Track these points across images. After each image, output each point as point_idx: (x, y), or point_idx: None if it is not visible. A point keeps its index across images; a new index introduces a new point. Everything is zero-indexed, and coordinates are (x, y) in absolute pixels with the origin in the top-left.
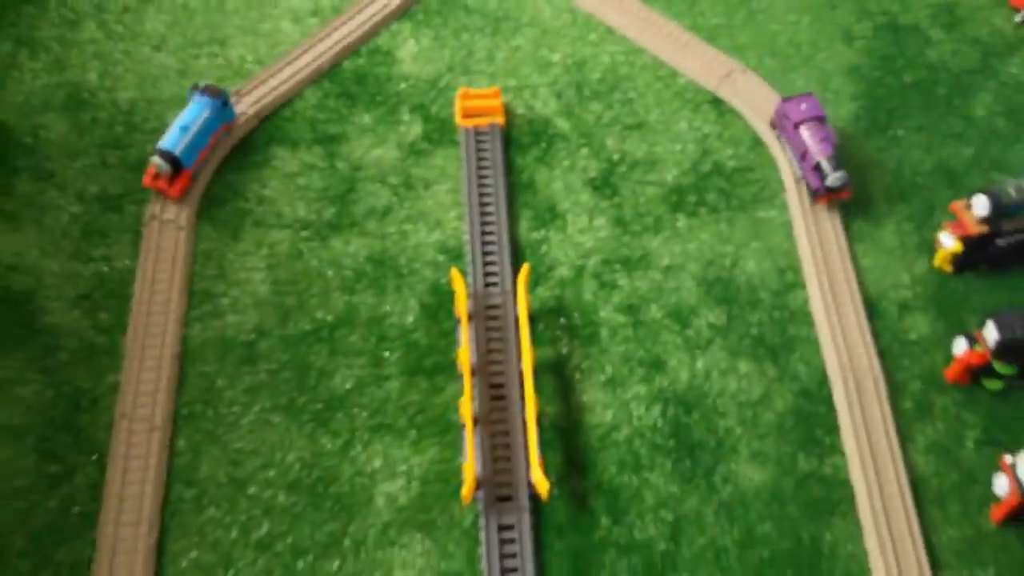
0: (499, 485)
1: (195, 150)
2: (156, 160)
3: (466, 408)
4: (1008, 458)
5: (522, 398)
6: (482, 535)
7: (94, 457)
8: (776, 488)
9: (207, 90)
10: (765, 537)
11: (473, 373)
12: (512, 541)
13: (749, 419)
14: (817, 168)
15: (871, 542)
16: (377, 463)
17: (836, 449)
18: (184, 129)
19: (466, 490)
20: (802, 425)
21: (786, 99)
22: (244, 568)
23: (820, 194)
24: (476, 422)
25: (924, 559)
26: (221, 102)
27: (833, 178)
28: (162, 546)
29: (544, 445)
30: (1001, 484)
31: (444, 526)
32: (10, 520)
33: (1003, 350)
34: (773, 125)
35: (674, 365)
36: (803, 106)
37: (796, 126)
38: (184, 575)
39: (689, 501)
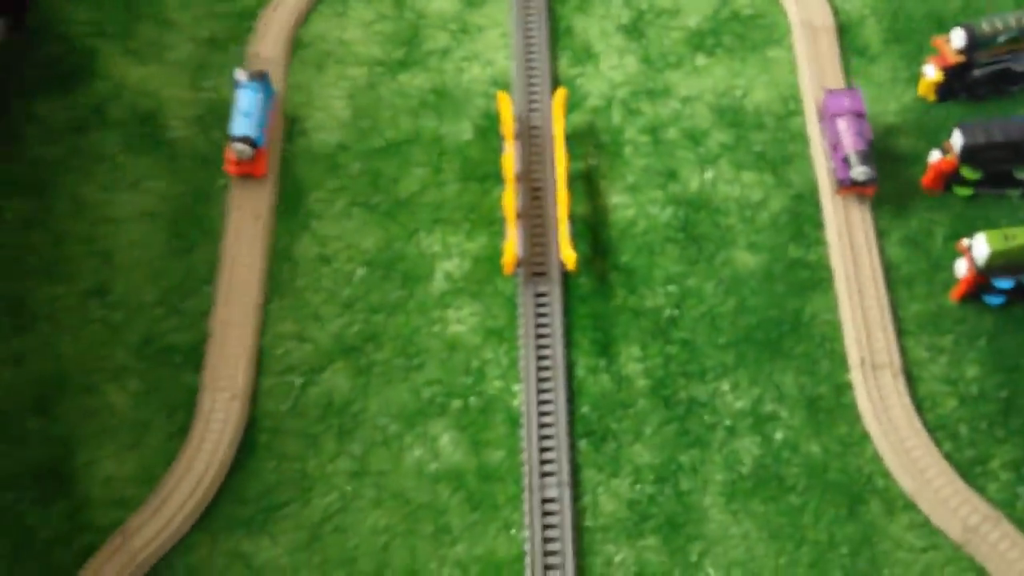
0: (535, 263)
1: (262, 129)
2: (239, 147)
3: (509, 203)
4: (965, 241)
5: (556, 197)
6: (520, 300)
7: (211, 237)
8: (767, 270)
9: (253, 75)
10: (755, 307)
11: (517, 179)
12: (545, 305)
13: (748, 217)
14: (846, 161)
15: (845, 313)
16: (437, 247)
17: (821, 241)
18: (248, 115)
19: (508, 263)
20: (793, 222)
21: (832, 91)
22: (330, 319)
23: (845, 185)
24: (518, 215)
25: (890, 327)
26: (266, 82)
27: (858, 171)
28: (266, 303)
29: (573, 236)
30: (960, 266)
31: (490, 294)
32: (147, 278)
33: (968, 154)
34: (821, 115)
35: (686, 175)
36: (846, 101)
37: (833, 118)
38: (282, 322)
39: (693, 279)
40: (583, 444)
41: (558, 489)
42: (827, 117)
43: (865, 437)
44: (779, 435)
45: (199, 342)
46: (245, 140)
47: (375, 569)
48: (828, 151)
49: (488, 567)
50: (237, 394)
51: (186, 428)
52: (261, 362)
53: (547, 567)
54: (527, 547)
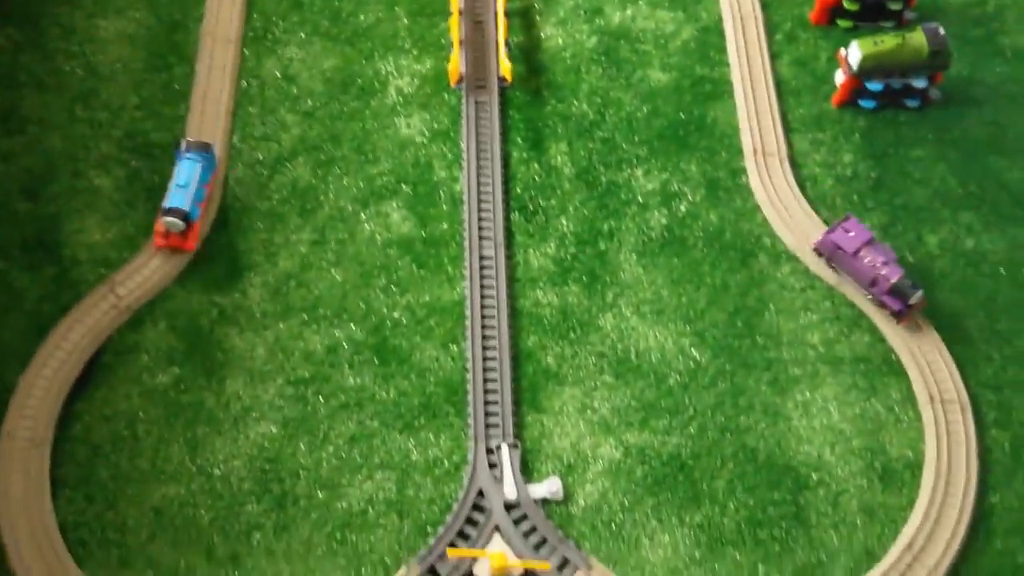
0: (477, 79)
1: (197, 203)
2: (169, 219)
3: (454, 29)
4: (843, 51)
5: (496, 25)
6: (463, 107)
7: (186, 59)
8: (677, 85)
9: (194, 146)
10: (666, 113)
11: (461, 12)
12: (485, 111)
13: (662, 44)
14: (894, 291)
15: (742, 116)
16: (390, 68)
17: (723, 63)
18: (184, 187)
19: (452, 72)
20: (700, 48)
21: (828, 230)
22: (293, 125)
23: (904, 315)
24: (461, 41)
25: (779, 126)
26: (208, 155)
27: (916, 297)
28: (236, 111)
29: (511, 60)
30: (839, 75)
31: (437, 105)
32: (129, 88)
33: None
34: (819, 253)
35: (609, 12)
36: (851, 233)
37: (855, 255)
38: (250, 127)
39: (613, 91)
40: (516, 216)
41: (493, 249)
42: (846, 257)
43: (756, 208)
44: (683, 208)
45: (176, 140)
46: (177, 213)
47: (334, 312)
48: (864, 288)
49: (434, 310)
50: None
51: None
52: (231, 156)
53: (484, 306)
54: (467, 293)
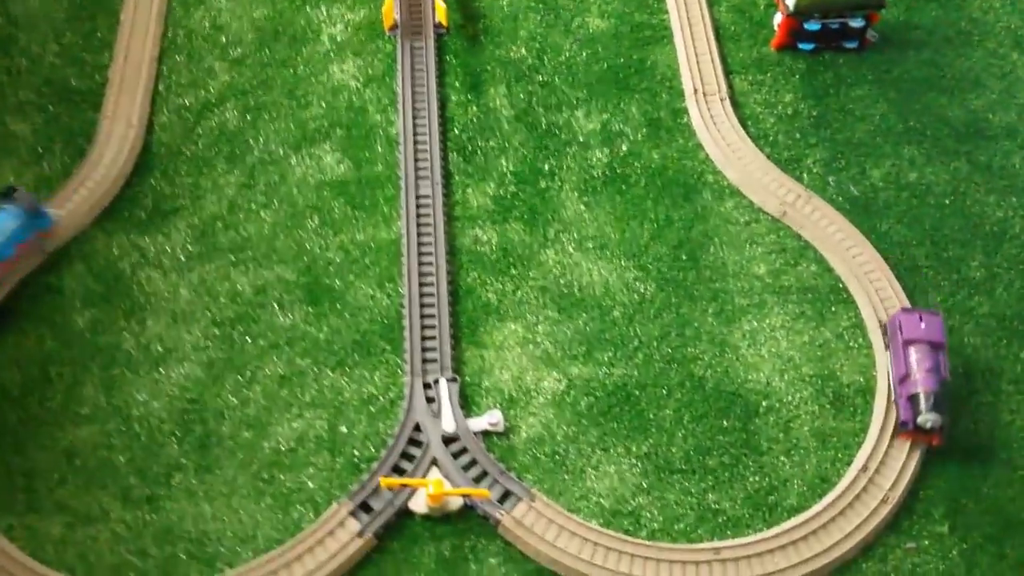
0: (413, 26)
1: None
2: None
3: None
4: None
5: None
6: (398, 52)
7: (111, 11)
8: (616, 31)
9: (23, 200)
10: (605, 58)
11: None
12: (421, 56)
13: None
14: (912, 400)
15: (681, 59)
16: (322, 17)
17: (662, 10)
18: None
19: (387, 16)
20: None
21: (908, 309)
22: (222, 72)
23: (906, 429)
24: None
25: (719, 67)
26: (32, 211)
27: (924, 418)
28: (162, 59)
29: (448, 9)
30: (777, 17)
31: (371, 52)
32: (50, 37)
33: None
34: (885, 330)
35: None
36: (923, 324)
37: (906, 345)
38: (176, 74)
39: (552, 37)
40: (454, 157)
41: (431, 187)
42: (898, 341)
43: (698, 146)
44: (625, 147)
45: (99, 87)
46: None
47: (263, 253)
48: (894, 381)
49: (369, 249)
50: (133, 124)
51: (85, 151)
52: (155, 102)
53: (421, 244)
54: (404, 231)
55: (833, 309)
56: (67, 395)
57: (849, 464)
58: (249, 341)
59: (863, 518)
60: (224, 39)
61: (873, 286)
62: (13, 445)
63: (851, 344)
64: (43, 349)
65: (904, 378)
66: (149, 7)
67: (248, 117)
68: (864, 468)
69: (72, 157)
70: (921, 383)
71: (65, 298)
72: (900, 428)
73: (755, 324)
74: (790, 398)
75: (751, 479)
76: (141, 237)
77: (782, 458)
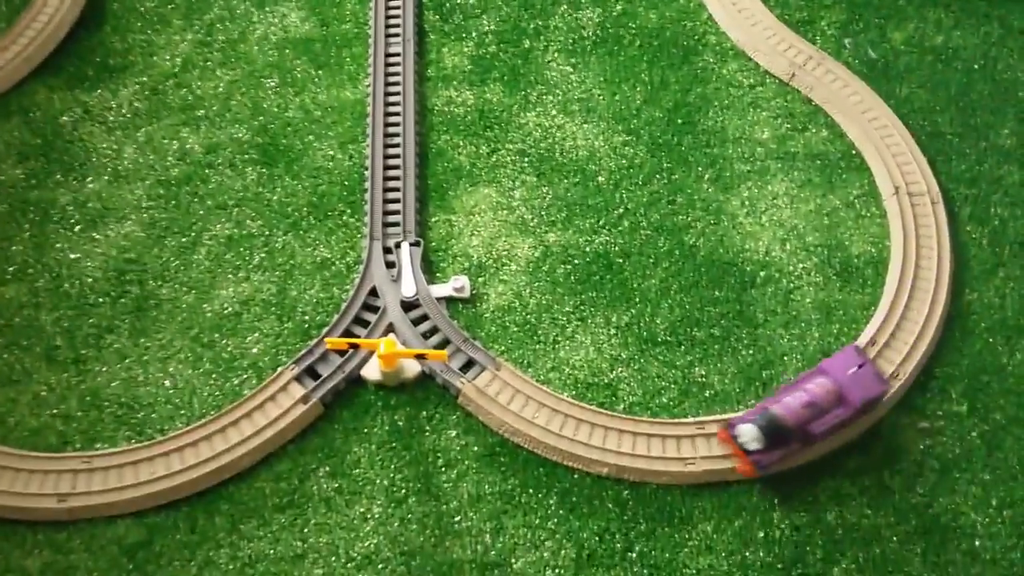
0: None
1: None
2: None
3: None
4: None
5: None
6: None
7: None
8: None
9: None
10: None
11: None
12: None
13: None
14: (762, 412)
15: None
16: None
17: None
18: None
19: None
20: None
21: (862, 353)
22: None
23: (727, 428)
24: None
25: None
26: None
27: (742, 430)
28: None
29: None
30: None
31: None
32: None
33: None
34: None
35: None
36: (851, 370)
37: (821, 374)
38: None
39: None
40: (430, 15)
41: (402, 45)
42: (825, 367)
43: (701, 6)
44: (619, 7)
45: None
46: None
47: (217, 112)
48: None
49: (331, 109)
50: None
51: (29, 2)
52: None
53: (388, 104)
54: (370, 90)
55: (844, 176)
56: None
57: (855, 338)
58: (196, 202)
59: None
60: None
61: (890, 151)
62: None
63: (863, 212)
64: None
65: (781, 392)
66: None
67: None
68: (872, 342)
69: (17, 8)
70: (781, 404)
71: None
72: (725, 425)
73: (755, 191)
74: (791, 268)
75: (744, 352)
76: (86, 93)
77: (780, 331)
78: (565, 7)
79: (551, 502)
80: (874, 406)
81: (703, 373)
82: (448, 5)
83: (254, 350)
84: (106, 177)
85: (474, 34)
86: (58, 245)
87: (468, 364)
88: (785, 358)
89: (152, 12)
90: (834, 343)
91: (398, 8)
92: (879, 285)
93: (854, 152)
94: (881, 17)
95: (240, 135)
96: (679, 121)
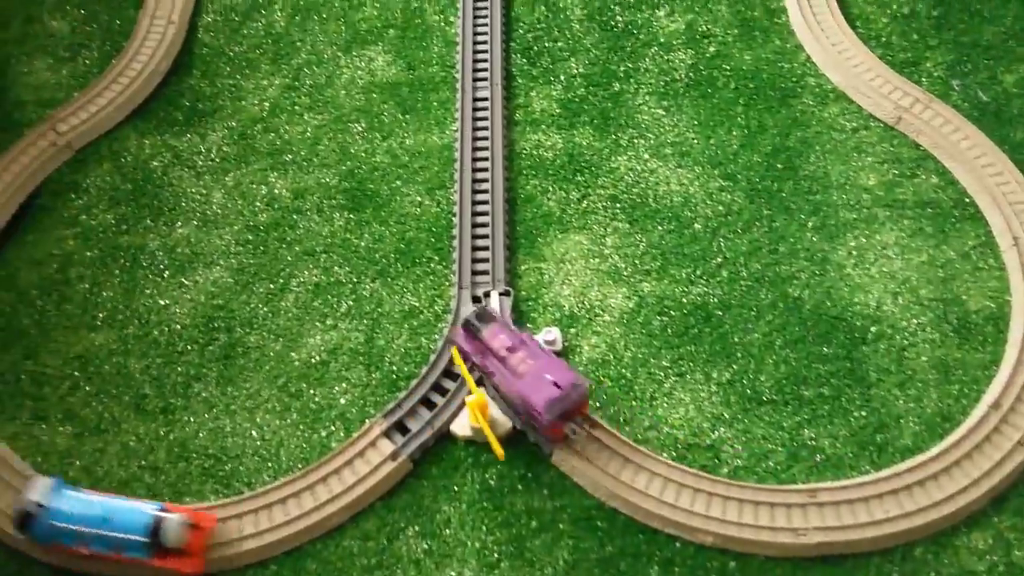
0: None
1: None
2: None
3: None
4: None
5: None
6: None
7: None
8: None
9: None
10: None
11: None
12: None
13: None
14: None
15: None
16: None
17: None
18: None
19: None
20: None
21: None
22: None
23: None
24: None
25: None
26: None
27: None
28: None
29: None
30: None
31: None
32: None
33: None
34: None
35: None
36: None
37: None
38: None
39: None
40: (518, 59)
41: (490, 89)
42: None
43: (798, 48)
44: (712, 48)
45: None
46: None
47: (304, 157)
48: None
49: (419, 154)
50: (174, 21)
51: (123, 49)
52: (200, 2)
53: (476, 148)
54: (458, 135)
55: (957, 226)
56: (85, 299)
57: (977, 400)
58: (284, 247)
59: (994, 463)
60: None
61: (1007, 199)
62: (24, 349)
63: (980, 264)
64: (64, 249)
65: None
66: None
67: (297, 18)
68: (996, 404)
69: (109, 54)
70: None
71: (90, 197)
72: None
73: (863, 240)
74: (905, 324)
75: (856, 414)
76: (176, 137)
77: (894, 391)
78: (656, 49)
79: (652, 572)
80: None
81: (813, 436)
82: (536, 48)
83: (341, 400)
84: (195, 222)
85: (562, 77)
86: (147, 291)
87: None
88: (901, 421)
89: (241, 57)
90: (954, 405)
91: (485, 52)
92: (1001, 343)
93: (967, 200)
94: (991, 58)
95: (327, 180)
96: (779, 166)
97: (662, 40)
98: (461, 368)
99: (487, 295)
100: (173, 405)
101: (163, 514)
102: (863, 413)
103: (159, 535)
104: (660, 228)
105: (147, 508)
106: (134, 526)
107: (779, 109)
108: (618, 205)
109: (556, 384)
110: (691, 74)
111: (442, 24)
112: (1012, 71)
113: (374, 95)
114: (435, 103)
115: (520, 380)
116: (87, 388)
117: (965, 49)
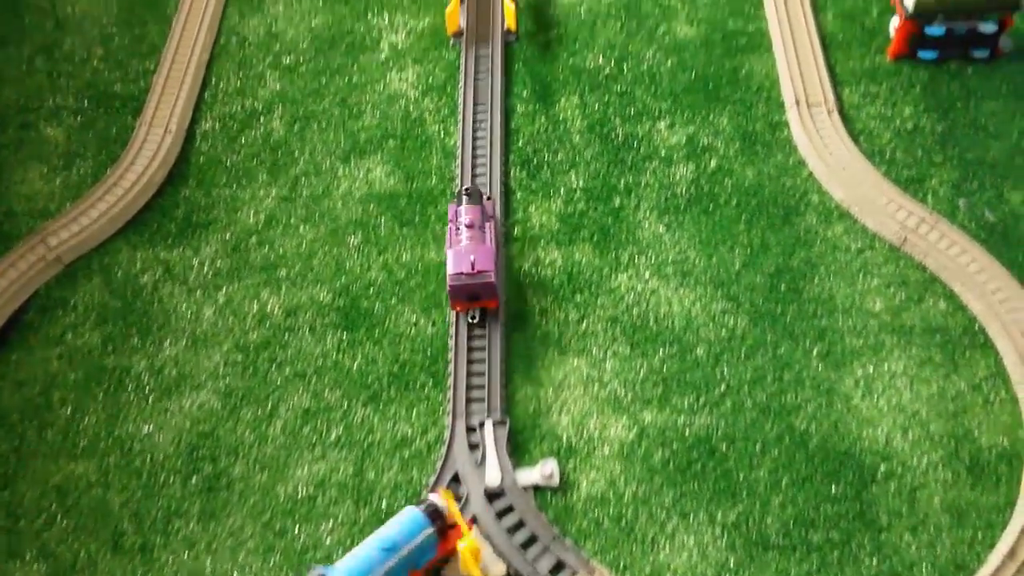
0: (479, 30)
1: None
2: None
3: None
4: None
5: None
6: (461, 60)
7: (164, 17)
8: (707, 39)
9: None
10: (693, 66)
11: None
12: (485, 63)
13: None
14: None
15: (781, 68)
16: (384, 24)
17: (759, 16)
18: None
19: (451, 17)
20: (732, 2)
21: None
22: (272, 80)
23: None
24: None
25: (826, 77)
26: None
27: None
28: (211, 64)
29: (519, 16)
30: (893, 21)
31: (433, 59)
32: (97, 41)
33: None
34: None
35: None
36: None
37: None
38: (224, 81)
39: (633, 46)
40: (517, 171)
41: (488, 202)
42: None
43: (800, 163)
44: (713, 163)
45: (141, 92)
46: None
47: (299, 272)
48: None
49: (415, 270)
50: (172, 130)
51: (118, 158)
52: (199, 108)
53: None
54: None
55: (967, 355)
56: (67, 424)
57: (991, 546)
58: (274, 369)
59: None
60: (278, 46)
61: (1017, 327)
62: (2, 478)
63: (991, 398)
64: (48, 370)
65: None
66: (202, 12)
67: (296, 127)
68: (1011, 553)
69: (104, 163)
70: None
71: (78, 314)
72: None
73: (870, 370)
74: (915, 462)
75: (867, 561)
76: (168, 250)
77: (906, 536)
78: (657, 163)
79: None
80: None
81: None
82: (536, 161)
83: (328, 540)
84: (184, 341)
85: (562, 191)
86: (131, 416)
87: (558, 567)
88: (914, 568)
89: (238, 166)
90: (968, 552)
91: (484, 164)
92: (1014, 483)
93: (977, 327)
94: (997, 176)
95: (321, 296)
96: (782, 287)
97: (663, 153)
98: (455, 514)
99: (482, 425)
100: (152, 543)
101: (420, 504)
102: (874, 561)
103: (439, 512)
104: (661, 352)
105: (403, 514)
106: (416, 526)
107: (782, 227)
108: (618, 327)
109: (472, 265)
110: (692, 189)
111: (442, 135)
112: (1019, 189)
113: (371, 207)
114: (433, 216)
115: (451, 249)
116: (64, 523)
117: (971, 166)
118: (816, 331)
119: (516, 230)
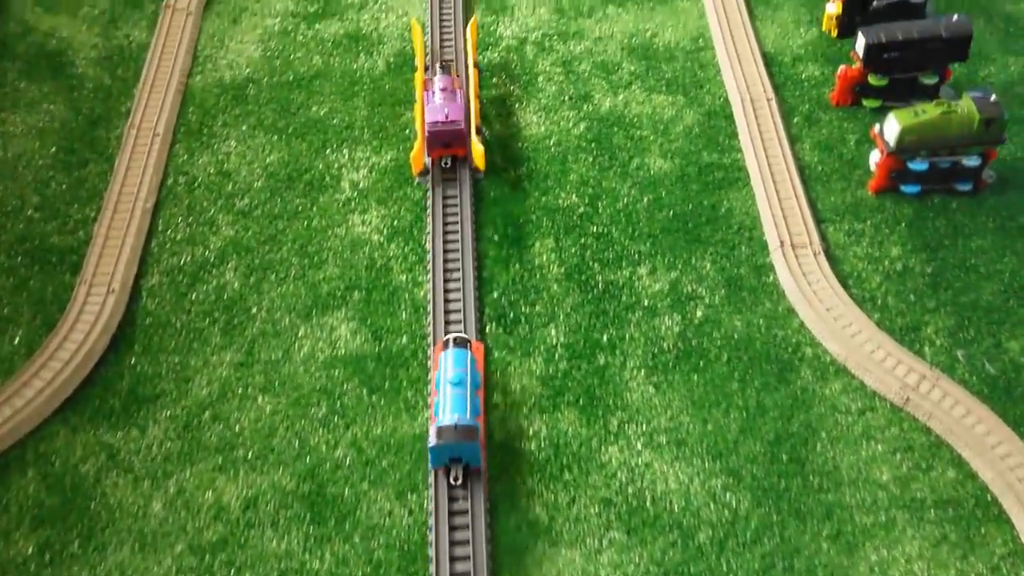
0: (445, 171)
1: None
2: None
3: (418, 113)
4: (877, 126)
5: (468, 109)
6: (429, 202)
7: (105, 156)
8: (682, 173)
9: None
10: (670, 203)
11: (427, 68)
12: (454, 206)
13: (661, 130)
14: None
15: (762, 205)
16: (344, 160)
17: (735, 148)
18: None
19: (416, 163)
20: (706, 133)
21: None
22: (224, 226)
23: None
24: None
25: (808, 215)
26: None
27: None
28: (157, 211)
29: (487, 150)
30: (874, 155)
31: (398, 199)
32: (31, 188)
33: (872, 56)
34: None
35: (599, 98)
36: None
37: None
38: (172, 229)
39: (607, 182)
40: (492, 327)
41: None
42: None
43: (790, 312)
44: (700, 312)
45: (80, 244)
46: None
47: (258, 452)
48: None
49: (388, 447)
50: (115, 289)
51: (55, 324)
52: (145, 263)
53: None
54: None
55: (982, 530)
56: None
57: None
58: (232, 575)
59: None
60: (231, 186)
61: None
62: None
63: None
64: None
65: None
66: (147, 150)
67: (251, 279)
68: None
69: (39, 330)
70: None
71: (11, 517)
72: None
73: (884, 553)
74: None
75: None
76: (111, 432)
77: None
78: (640, 313)
79: None
80: None
81: None
82: (512, 314)
83: None
84: (130, 545)
85: (542, 348)
86: None
87: None
88: None
89: (187, 327)
90: None
91: (459, 320)
92: None
93: (990, 497)
94: (993, 322)
95: (284, 482)
96: (784, 457)
97: (646, 303)
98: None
99: None
100: None
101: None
102: None
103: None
104: (661, 540)
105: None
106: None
107: (778, 386)
108: (612, 510)
109: (446, 116)
110: (680, 343)
111: (410, 285)
112: (1016, 336)
113: (336, 372)
114: (404, 381)
115: (428, 105)
116: None
117: (965, 311)
118: (823, 508)
119: (495, 396)
